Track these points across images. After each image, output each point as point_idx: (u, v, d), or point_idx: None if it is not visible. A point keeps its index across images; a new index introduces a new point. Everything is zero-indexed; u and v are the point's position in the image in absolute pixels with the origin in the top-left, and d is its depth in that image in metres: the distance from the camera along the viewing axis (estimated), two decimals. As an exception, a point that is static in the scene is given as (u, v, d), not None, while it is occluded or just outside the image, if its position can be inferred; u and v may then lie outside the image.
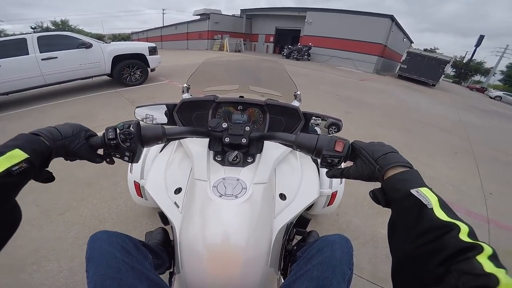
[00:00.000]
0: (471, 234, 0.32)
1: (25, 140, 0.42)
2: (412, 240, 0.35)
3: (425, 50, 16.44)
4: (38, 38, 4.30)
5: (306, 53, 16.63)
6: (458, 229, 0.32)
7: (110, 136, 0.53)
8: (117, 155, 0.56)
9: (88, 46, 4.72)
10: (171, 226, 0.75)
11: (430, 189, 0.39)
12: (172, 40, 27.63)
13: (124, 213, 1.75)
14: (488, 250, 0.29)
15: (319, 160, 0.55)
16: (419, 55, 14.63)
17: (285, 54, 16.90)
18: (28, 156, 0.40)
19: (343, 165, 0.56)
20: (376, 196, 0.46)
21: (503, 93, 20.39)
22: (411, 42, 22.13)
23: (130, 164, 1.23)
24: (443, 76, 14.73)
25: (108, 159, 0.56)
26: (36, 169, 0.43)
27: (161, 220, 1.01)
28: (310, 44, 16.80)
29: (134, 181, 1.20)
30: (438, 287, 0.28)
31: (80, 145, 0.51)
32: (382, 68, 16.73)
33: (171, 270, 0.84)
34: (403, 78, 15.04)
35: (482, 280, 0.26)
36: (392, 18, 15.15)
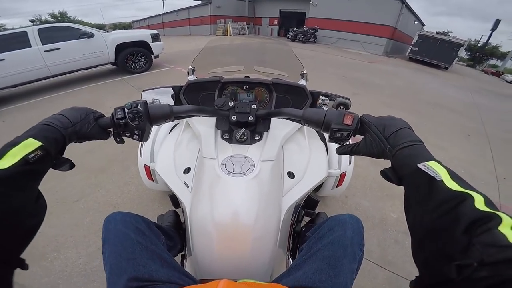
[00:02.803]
0: (488, 203, 0.31)
1: (37, 129, 0.43)
2: (428, 215, 0.34)
3: (438, 33, 15.82)
4: (39, 30, 4.29)
5: (312, 36, 16.24)
6: (472, 198, 0.31)
7: (119, 116, 0.54)
8: (126, 134, 0.56)
9: (90, 36, 4.72)
10: (182, 208, 0.75)
11: (439, 162, 0.38)
12: (174, 26, 27.09)
13: (136, 198, 1.80)
14: (508, 220, 0.28)
15: (327, 135, 0.54)
16: (431, 38, 14.25)
17: (290, 37, 16.52)
18: (42, 144, 0.41)
19: (351, 140, 0.55)
20: (387, 174, 0.45)
21: (520, 78, 19.61)
22: (423, 24, 21.23)
23: (139, 148, 1.25)
24: (456, 59, 14.33)
25: (118, 139, 0.57)
26: (52, 156, 0.44)
27: (172, 203, 1.03)
28: (316, 26, 16.34)
29: (145, 164, 1.22)
30: (463, 260, 0.27)
31: (90, 128, 0.51)
32: (392, 51, 16.23)
33: (183, 252, 0.85)
34: (414, 60, 14.64)
35: (508, 252, 0.25)
36: (402, 0, 14.65)
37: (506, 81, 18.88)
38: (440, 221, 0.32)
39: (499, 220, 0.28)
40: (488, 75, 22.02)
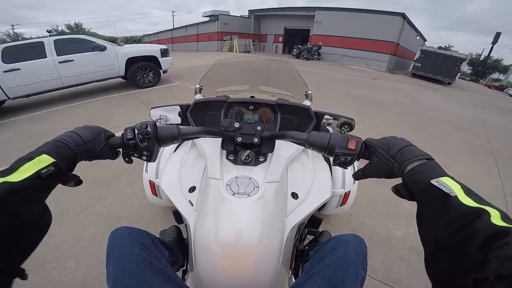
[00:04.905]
0: (505, 217, 0.31)
1: (51, 146, 0.46)
2: (442, 229, 0.35)
3: (439, 48, 15.89)
4: (55, 41, 4.43)
5: (316, 53, 16.52)
6: (488, 214, 0.32)
7: (129, 136, 0.55)
8: (135, 155, 0.58)
9: (103, 48, 4.83)
10: (185, 224, 0.76)
11: (452, 178, 0.39)
12: (182, 42, 28.05)
13: (139, 212, 1.80)
14: None
15: (331, 159, 0.55)
16: (433, 53, 14.22)
17: (294, 54, 16.85)
18: (55, 160, 0.43)
19: (355, 163, 0.56)
20: (399, 191, 0.46)
21: (525, 91, 19.54)
22: (424, 40, 21.53)
23: (145, 164, 1.26)
24: (459, 74, 14.26)
25: (127, 158, 0.58)
26: (63, 173, 0.46)
27: (175, 218, 1.03)
28: (320, 43, 16.66)
29: (149, 180, 1.23)
30: (479, 274, 0.27)
31: (101, 147, 0.54)
32: (395, 67, 16.36)
33: (184, 268, 0.85)
34: (418, 76, 14.64)
35: None
36: (403, 16, 14.87)
37: (510, 95, 18.79)
38: (455, 235, 0.32)
39: None
40: (491, 89, 22.05)
